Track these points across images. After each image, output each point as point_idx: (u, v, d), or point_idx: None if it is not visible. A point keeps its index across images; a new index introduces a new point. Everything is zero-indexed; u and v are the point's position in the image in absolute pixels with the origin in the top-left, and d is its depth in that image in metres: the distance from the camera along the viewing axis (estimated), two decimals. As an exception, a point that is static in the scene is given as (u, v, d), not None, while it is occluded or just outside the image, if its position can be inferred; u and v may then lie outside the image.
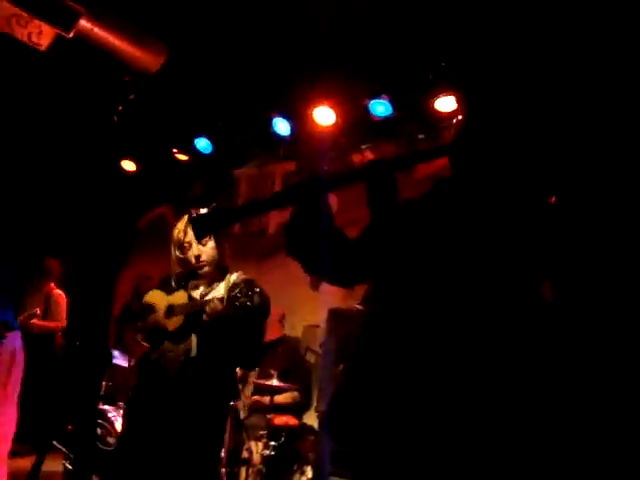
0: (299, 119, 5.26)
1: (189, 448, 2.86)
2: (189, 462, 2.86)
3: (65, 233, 6.55)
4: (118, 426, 4.55)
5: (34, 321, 5.15)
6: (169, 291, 3.07)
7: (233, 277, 3.03)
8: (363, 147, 5.24)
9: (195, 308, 2.93)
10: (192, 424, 2.86)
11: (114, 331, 7.09)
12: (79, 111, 5.80)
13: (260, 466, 4.16)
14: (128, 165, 6.45)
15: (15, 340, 3.62)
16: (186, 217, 3.03)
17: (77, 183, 6.54)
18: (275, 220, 5.69)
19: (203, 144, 5.65)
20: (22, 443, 4.08)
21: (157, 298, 3.09)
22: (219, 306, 2.84)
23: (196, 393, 2.89)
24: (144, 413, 2.94)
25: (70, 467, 4.68)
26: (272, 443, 4.38)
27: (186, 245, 2.98)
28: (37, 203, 5.98)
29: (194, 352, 2.89)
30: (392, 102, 4.74)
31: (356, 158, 5.21)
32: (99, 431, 4.82)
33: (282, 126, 5.33)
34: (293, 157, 5.73)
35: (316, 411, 4.85)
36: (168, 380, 2.90)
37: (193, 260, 2.97)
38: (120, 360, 5.19)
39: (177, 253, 3.03)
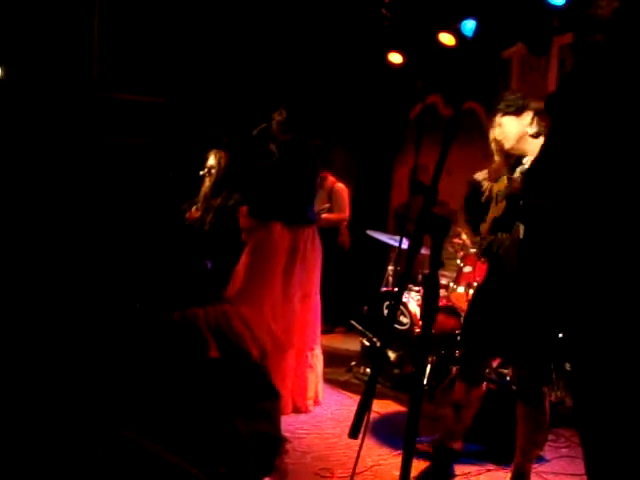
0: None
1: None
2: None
3: (342, 125, 6.92)
4: (411, 307, 4.87)
5: (324, 215, 5.44)
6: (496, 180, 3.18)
7: None
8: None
9: (512, 190, 2.97)
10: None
11: (393, 220, 7.45)
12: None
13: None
14: (395, 57, 6.48)
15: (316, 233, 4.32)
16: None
17: (350, 77, 6.82)
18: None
19: (470, 26, 5.40)
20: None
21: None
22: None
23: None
24: (491, 300, 3.12)
25: (367, 344, 5.16)
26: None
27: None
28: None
29: (521, 235, 2.95)
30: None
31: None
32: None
33: (556, -6, 4.85)
34: (570, 28, 5.21)
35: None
36: (508, 270, 3.01)
37: None
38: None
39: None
